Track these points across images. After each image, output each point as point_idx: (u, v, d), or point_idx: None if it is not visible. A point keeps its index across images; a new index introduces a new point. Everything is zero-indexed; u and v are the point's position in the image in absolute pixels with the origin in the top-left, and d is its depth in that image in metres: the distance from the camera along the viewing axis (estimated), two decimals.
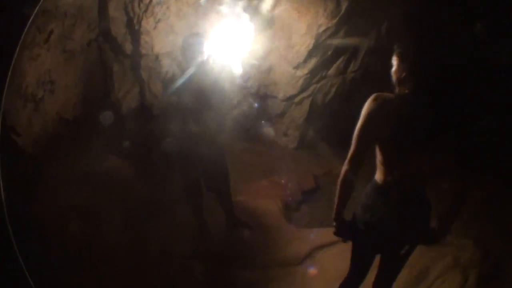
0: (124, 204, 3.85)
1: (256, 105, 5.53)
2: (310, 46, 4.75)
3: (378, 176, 2.12)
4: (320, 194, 5.31)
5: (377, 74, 4.97)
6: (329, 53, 4.94)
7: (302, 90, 5.38)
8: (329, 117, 5.68)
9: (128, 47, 3.98)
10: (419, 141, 1.97)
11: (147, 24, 4.06)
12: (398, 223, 2.09)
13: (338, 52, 5.00)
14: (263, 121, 5.77)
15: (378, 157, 2.09)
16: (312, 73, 5.15)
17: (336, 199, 2.09)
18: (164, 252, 3.44)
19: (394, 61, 2.06)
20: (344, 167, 2.02)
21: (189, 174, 3.60)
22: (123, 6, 3.94)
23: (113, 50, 3.91)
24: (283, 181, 5.18)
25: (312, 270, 3.38)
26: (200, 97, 3.24)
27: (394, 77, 2.06)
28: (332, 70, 5.18)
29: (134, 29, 3.97)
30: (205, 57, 3.28)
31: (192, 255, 3.56)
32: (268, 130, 5.84)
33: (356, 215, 2.22)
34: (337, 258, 3.53)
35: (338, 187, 2.06)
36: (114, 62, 3.92)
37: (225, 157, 3.74)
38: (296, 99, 5.48)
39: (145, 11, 4.04)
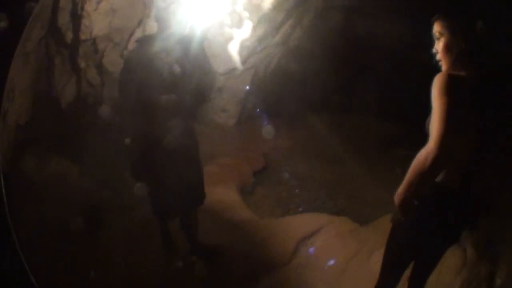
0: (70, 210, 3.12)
1: None
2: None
3: (444, 176, 1.71)
4: (270, 172, 5.03)
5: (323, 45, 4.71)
6: (279, 19, 4.49)
7: (243, 62, 4.89)
8: (270, 89, 5.34)
9: (69, 36, 3.38)
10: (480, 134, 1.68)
11: (89, 6, 3.40)
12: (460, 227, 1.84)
13: (286, 18, 4.57)
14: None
15: None
16: (256, 42, 4.67)
17: (409, 181, 1.64)
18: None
19: (439, 33, 1.69)
20: (431, 151, 1.55)
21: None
22: None
23: (57, 43, 3.37)
24: (233, 163, 4.77)
25: (305, 270, 3.05)
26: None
27: (442, 54, 1.70)
28: (277, 38, 4.77)
29: (76, 15, 3.37)
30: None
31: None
32: (205, 107, 5.28)
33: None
34: (327, 249, 3.32)
35: (417, 170, 1.61)
36: (57, 55, 3.21)
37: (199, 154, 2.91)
38: (237, 72, 4.99)
39: None
